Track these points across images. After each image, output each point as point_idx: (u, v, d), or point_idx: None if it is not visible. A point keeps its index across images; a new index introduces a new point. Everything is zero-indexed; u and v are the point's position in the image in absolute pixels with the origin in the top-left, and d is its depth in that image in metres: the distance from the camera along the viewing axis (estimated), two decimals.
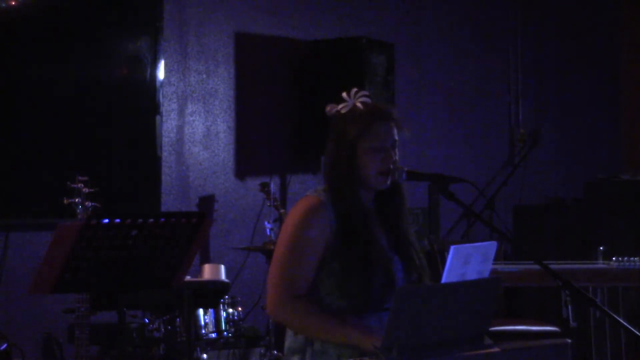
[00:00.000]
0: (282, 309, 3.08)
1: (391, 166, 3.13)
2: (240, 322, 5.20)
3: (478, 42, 7.58)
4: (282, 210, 5.58)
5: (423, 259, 3.23)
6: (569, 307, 3.14)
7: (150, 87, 5.53)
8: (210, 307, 5.00)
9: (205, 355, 4.98)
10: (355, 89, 3.20)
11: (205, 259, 5.62)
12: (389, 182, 3.15)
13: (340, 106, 3.19)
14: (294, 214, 3.14)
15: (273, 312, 3.12)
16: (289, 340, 3.16)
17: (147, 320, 4.84)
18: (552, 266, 3.16)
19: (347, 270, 3.06)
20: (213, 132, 5.97)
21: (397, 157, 3.16)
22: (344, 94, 3.20)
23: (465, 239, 6.64)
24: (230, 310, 5.13)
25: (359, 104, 3.17)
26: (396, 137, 3.16)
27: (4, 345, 4.47)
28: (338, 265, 3.07)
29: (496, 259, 3.06)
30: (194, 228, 3.31)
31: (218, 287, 4.90)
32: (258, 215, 6.05)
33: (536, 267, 3.19)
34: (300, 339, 3.11)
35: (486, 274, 2.97)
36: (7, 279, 4.98)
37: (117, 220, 3.14)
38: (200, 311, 4.99)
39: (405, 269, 3.17)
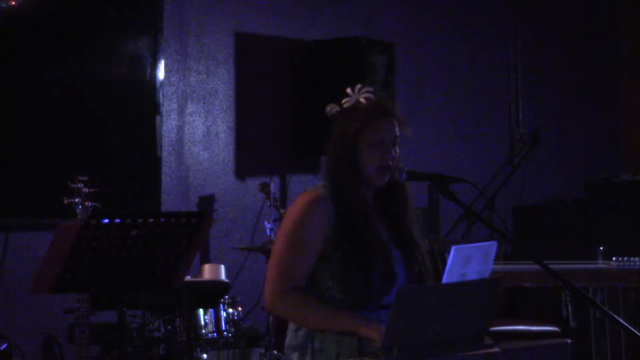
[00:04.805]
0: (279, 301, 3.09)
1: (390, 162, 3.13)
2: (240, 322, 5.20)
3: (478, 42, 7.57)
4: (282, 210, 5.58)
5: (426, 256, 3.22)
6: (569, 307, 3.14)
7: (150, 87, 5.53)
8: (210, 307, 5.00)
9: (205, 355, 4.97)
10: (359, 85, 3.22)
11: (205, 259, 5.61)
12: (387, 179, 3.15)
13: (343, 101, 3.21)
14: (293, 209, 3.15)
15: (270, 305, 3.13)
16: (289, 337, 3.16)
17: (148, 320, 4.84)
18: (552, 266, 3.16)
19: (346, 264, 3.07)
20: (213, 132, 5.97)
21: (397, 154, 3.16)
22: (348, 89, 3.22)
23: (465, 239, 6.62)
24: (230, 310, 5.13)
25: (362, 100, 3.18)
26: (397, 134, 3.17)
27: (4, 345, 4.46)
28: (337, 259, 3.07)
29: (496, 259, 3.06)
30: (194, 228, 3.31)
31: (218, 287, 4.89)
32: (258, 215, 6.05)
33: (536, 267, 3.18)
34: (301, 337, 3.11)
35: (487, 274, 2.97)
36: (7, 279, 4.98)
37: (117, 220, 3.15)
38: (200, 311, 4.99)
39: (407, 264, 3.17)
